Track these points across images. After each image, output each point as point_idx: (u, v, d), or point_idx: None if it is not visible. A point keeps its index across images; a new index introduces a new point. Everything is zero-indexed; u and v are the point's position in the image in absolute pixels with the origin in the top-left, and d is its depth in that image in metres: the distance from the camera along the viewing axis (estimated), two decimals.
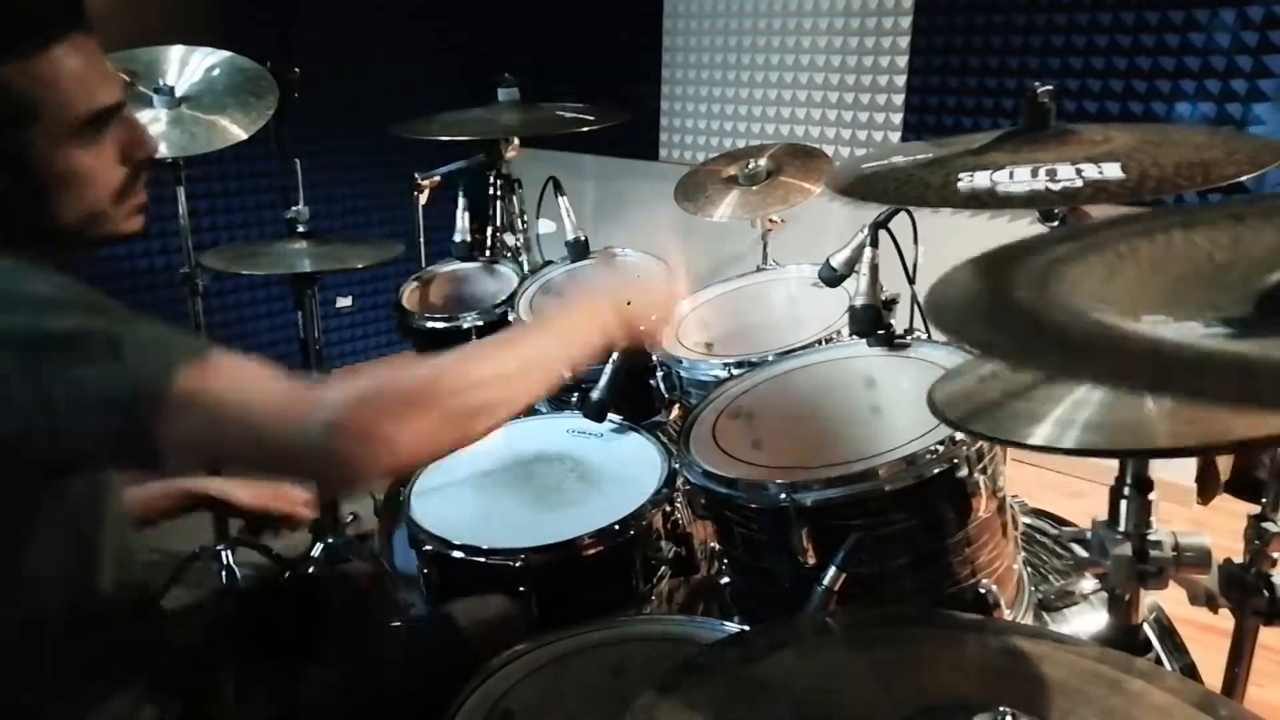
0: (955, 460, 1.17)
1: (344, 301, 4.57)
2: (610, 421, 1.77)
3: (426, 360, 0.96)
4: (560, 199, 2.33)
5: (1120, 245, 0.72)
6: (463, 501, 1.61)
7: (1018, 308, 0.61)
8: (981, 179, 1.00)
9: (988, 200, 0.97)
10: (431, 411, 0.90)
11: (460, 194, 2.50)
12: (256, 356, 0.89)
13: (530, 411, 2.23)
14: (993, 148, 1.10)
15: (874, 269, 1.43)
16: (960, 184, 1.00)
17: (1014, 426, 0.90)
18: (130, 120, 1.01)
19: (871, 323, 1.44)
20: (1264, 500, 1.05)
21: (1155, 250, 0.71)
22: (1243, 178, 0.89)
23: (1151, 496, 0.93)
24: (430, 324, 2.32)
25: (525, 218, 2.70)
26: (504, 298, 2.27)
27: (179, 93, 2.33)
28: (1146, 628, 1.06)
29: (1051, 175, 0.96)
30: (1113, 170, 0.94)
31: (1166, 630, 1.45)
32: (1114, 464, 0.96)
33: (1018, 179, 0.98)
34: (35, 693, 0.97)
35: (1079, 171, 0.95)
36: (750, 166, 2.35)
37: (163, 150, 2.27)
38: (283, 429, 0.86)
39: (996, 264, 0.70)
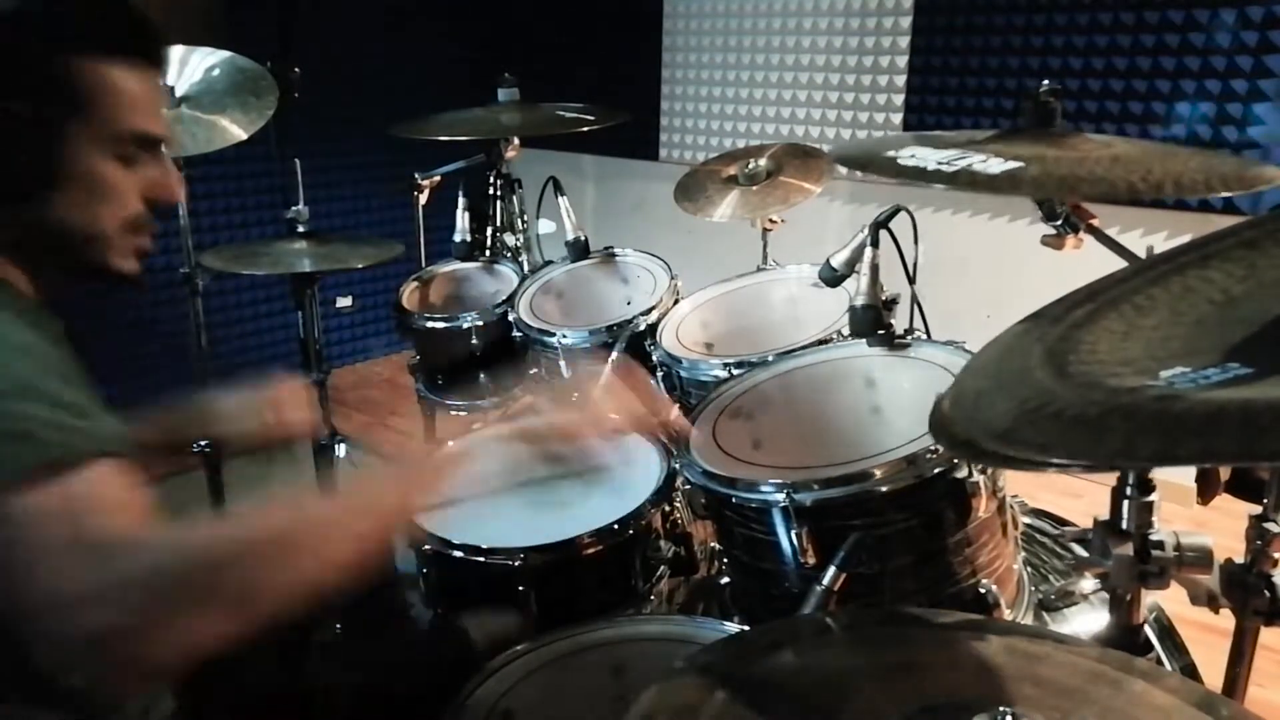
0: (955, 460, 1.17)
1: (344, 301, 4.57)
2: None
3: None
4: (560, 199, 2.33)
5: (1136, 297, 0.70)
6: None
7: (1032, 392, 0.59)
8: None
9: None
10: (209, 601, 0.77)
11: (460, 194, 2.51)
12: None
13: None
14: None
15: (874, 269, 1.43)
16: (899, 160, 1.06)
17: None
18: (166, 165, 1.04)
19: (871, 323, 1.44)
20: (1265, 500, 1.05)
21: (1172, 296, 0.69)
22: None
23: (1153, 497, 0.93)
24: (430, 324, 2.32)
25: (525, 218, 2.70)
26: (504, 298, 2.27)
27: (179, 93, 2.32)
28: (1147, 628, 1.06)
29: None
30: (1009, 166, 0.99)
31: (1167, 630, 1.45)
32: None
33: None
34: (46, 692, 0.97)
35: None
36: (750, 166, 2.35)
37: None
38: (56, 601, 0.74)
39: (1017, 339, 0.68)
